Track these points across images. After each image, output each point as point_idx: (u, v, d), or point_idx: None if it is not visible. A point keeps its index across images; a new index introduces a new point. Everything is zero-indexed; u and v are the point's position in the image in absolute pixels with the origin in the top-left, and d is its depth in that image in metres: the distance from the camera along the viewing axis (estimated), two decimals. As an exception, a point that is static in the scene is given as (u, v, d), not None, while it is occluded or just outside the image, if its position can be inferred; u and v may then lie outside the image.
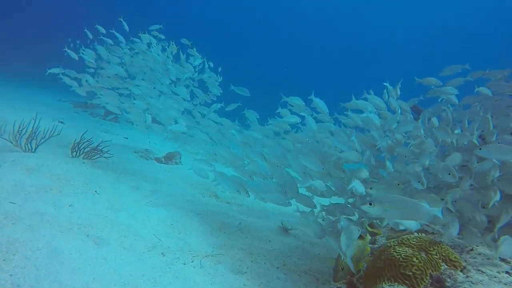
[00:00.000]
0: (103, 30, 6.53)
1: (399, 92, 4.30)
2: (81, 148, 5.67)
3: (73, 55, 5.99)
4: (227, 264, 3.28)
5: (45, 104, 12.36)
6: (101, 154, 5.77)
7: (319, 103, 4.38)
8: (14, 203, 3.25)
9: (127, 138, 9.29)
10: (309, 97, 4.40)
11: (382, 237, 3.00)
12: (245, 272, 3.20)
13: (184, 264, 3.04)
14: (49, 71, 6.05)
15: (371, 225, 2.63)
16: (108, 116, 12.29)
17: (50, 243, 2.64)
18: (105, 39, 6.54)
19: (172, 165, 6.97)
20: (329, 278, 3.52)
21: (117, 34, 6.48)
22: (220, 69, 7.29)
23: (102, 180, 4.61)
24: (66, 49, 6.06)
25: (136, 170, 5.80)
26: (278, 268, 3.49)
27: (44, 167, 4.53)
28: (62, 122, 8.98)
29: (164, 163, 6.90)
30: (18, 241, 2.57)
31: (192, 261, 3.11)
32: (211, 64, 6.67)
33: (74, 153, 5.64)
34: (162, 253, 3.10)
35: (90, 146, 5.74)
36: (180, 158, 7.20)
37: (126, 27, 6.49)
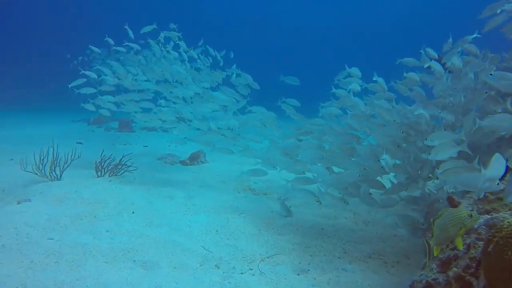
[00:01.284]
0: (112, 42, 6.26)
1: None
2: (105, 166, 5.48)
3: (93, 74, 5.73)
4: (287, 264, 3.01)
5: (60, 128, 12.34)
6: (125, 169, 5.57)
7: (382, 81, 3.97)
8: (52, 239, 3.06)
9: (146, 146, 9.11)
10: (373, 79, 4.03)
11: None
12: (308, 270, 2.92)
13: (242, 273, 2.79)
14: (78, 90, 5.78)
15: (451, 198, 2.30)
16: (123, 128, 12.16)
17: (99, 279, 2.42)
18: (118, 48, 6.26)
19: (198, 165, 6.73)
20: (397, 259, 3.21)
21: (132, 44, 6.18)
22: (223, 53, 6.89)
23: (133, 197, 4.40)
24: (83, 71, 5.77)
25: (164, 178, 5.58)
26: (340, 258, 3.20)
27: (73, 193, 4.35)
28: (80, 143, 8.88)
29: (190, 165, 6.67)
30: (65, 283, 2.36)
31: (250, 269, 2.85)
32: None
33: (99, 172, 5.46)
34: (216, 266, 2.85)
35: (113, 163, 5.54)
36: (205, 156, 6.95)
37: (131, 35, 6.17)
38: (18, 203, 4.03)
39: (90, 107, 5.69)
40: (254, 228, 3.72)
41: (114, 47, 6.30)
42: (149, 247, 3.03)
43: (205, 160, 6.87)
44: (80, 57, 10.26)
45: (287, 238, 3.54)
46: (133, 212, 3.86)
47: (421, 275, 1.99)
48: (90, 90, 5.41)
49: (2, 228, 3.17)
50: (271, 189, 5.56)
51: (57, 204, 4.01)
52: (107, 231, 3.29)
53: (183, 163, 6.68)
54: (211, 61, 6.59)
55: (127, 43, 6.15)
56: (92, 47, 7.13)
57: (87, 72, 5.62)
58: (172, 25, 6.39)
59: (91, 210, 3.82)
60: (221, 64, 6.65)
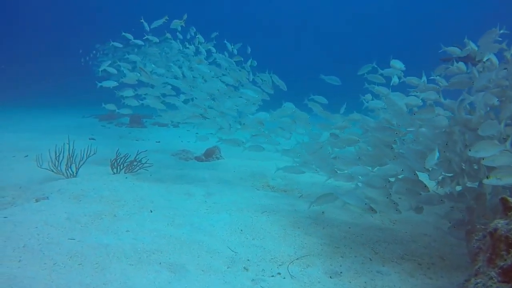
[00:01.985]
0: (130, 37, 6.13)
1: None
2: (120, 163, 5.38)
3: (113, 70, 5.60)
4: (318, 266, 2.86)
5: (71, 124, 12.32)
6: (141, 166, 5.47)
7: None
8: (74, 239, 2.96)
9: (159, 142, 9.03)
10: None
11: None
12: (341, 272, 2.77)
13: (272, 276, 2.65)
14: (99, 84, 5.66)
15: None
16: (134, 123, 12.09)
17: (126, 283, 2.31)
18: (136, 41, 6.12)
19: (214, 161, 6.60)
20: (431, 260, 3.05)
21: (151, 37, 6.03)
22: (238, 46, 6.69)
23: (152, 194, 4.29)
24: (102, 67, 5.59)
25: (181, 175, 5.47)
26: (371, 259, 3.05)
27: (91, 191, 4.26)
28: (93, 139, 8.82)
29: (205, 161, 6.55)
30: (91, 287, 2.25)
31: (279, 273, 2.71)
32: (255, 63, 6.12)
33: (115, 169, 5.37)
34: (244, 268, 2.72)
35: (128, 159, 5.44)
36: (220, 152, 6.82)
37: (147, 28, 6.02)
38: (37, 201, 3.95)
39: (111, 107, 5.57)
40: (279, 227, 3.58)
41: (133, 41, 6.16)
42: (173, 248, 2.91)
43: (220, 156, 6.74)
44: (92, 52, 10.17)
45: (314, 238, 3.39)
46: (152, 211, 3.74)
47: (476, 283, 1.83)
48: (112, 84, 5.29)
49: (22, 227, 3.07)
50: (290, 185, 5.42)
51: (75, 202, 3.92)
52: (128, 231, 3.17)
53: (198, 159, 6.56)
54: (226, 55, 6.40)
55: (147, 37, 6.01)
56: (114, 43, 6.99)
57: (109, 68, 5.48)
58: (193, 29, 6.23)
59: (110, 209, 3.72)
60: (239, 58, 6.46)
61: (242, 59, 6.08)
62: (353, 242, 3.37)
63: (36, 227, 3.12)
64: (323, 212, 3.89)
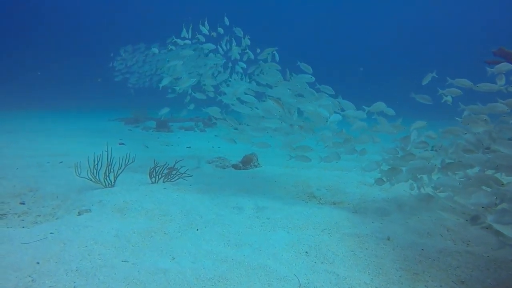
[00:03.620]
0: (181, 42, 5.91)
1: None
2: (159, 172, 5.12)
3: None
4: (405, 299, 2.49)
5: (98, 128, 12.29)
6: (180, 175, 5.20)
7: None
8: (127, 261, 2.68)
9: (189, 147, 8.80)
10: None
11: None
12: (435, 308, 2.39)
13: (358, 312, 2.30)
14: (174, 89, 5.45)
15: None
16: (160, 127, 11.95)
17: (201, 323, 2.00)
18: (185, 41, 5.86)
19: (252, 169, 6.29)
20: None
21: (212, 46, 5.77)
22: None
23: (198, 207, 4.00)
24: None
25: (222, 184, 5.17)
26: (462, 290, 2.65)
27: (133, 203, 4.01)
28: (123, 144, 8.67)
29: (243, 169, 6.24)
30: (160, 326, 1.95)
31: (366, 306, 2.35)
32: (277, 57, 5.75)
33: (153, 178, 5.12)
34: (324, 301, 2.38)
35: (168, 168, 5.19)
36: (257, 160, 6.50)
37: (186, 35, 5.78)
38: (79, 214, 3.72)
39: (165, 110, 5.37)
40: (346, 248, 3.22)
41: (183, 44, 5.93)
42: (239, 275, 2.59)
43: (258, 163, 6.42)
44: (120, 56, 10.10)
45: (388, 262, 3.01)
46: (203, 228, 3.44)
47: None
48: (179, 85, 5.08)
49: (72, 246, 2.83)
50: (338, 197, 5.04)
51: (120, 216, 3.66)
52: (184, 253, 2.88)
53: (235, 167, 6.26)
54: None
55: (197, 38, 5.77)
56: (154, 49, 6.81)
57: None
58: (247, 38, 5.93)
59: (158, 225, 3.44)
60: (277, 59, 6.12)
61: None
62: (431, 268, 2.97)
63: (86, 246, 2.87)
64: (388, 238, 3.49)
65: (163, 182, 5.14)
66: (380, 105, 4.23)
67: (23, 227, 3.44)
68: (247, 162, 6.28)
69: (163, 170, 5.13)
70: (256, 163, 6.37)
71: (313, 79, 4.45)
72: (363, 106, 4.33)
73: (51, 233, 3.11)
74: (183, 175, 5.19)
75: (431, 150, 4.25)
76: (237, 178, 5.60)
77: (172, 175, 5.19)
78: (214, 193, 4.69)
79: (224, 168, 6.24)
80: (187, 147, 8.72)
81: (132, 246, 2.96)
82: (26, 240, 2.95)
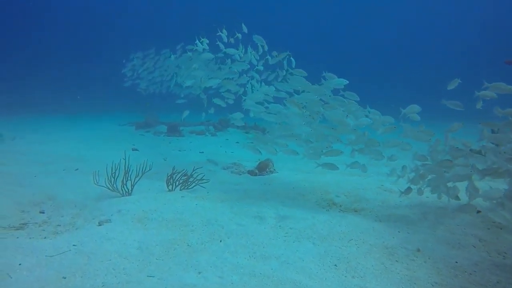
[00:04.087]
0: (222, 46, 5.90)
1: None
2: (176, 180, 5.06)
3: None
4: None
5: (109, 133, 12.32)
6: (197, 182, 5.13)
7: None
8: (153, 276, 2.61)
9: (202, 152, 8.74)
10: None
11: None
12: (478, 328, 2.27)
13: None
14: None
15: None
16: (171, 132, 11.92)
17: None
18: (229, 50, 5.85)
19: (268, 175, 6.20)
20: None
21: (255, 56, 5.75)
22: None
23: (218, 217, 3.92)
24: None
25: (240, 192, 5.09)
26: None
27: (153, 213, 3.94)
28: (136, 149, 8.65)
29: (259, 175, 6.15)
30: None
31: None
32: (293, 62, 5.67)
33: (170, 186, 5.06)
34: (361, 321, 2.27)
35: (185, 175, 5.13)
36: (273, 165, 6.41)
37: (225, 39, 5.76)
38: (100, 224, 3.67)
39: (186, 113, 5.37)
40: (376, 260, 3.10)
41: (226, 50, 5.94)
42: (269, 291, 2.50)
43: (274, 169, 6.33)
44: (133, 61, 10.11)
45: (422, 276, 2.89)
46: (225, 239, 3.36)
47: None
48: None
49: (96, 260, 2.77)
50: (359, 203, 4.92)
51: (141, 227, 3.60)
52: (210, 267, 2.80)
53: (251, 173, 6.17)
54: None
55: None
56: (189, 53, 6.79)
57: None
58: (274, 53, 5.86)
59: (181, 237, 3.37)
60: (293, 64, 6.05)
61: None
62: (469, 283, 2.84)
63: (110, 260, 2.81)
64: (418, 250, 3.36)
65: (180, 190, 5.08)
66: (415, 108, 4.12)
67: (45, 238, 3.40)
68: (263, 168, 6.19)
69: (180, 178, 5.07)
70: (272, 169, 6.28)
71: (347, 82, 4.37)
72: (400, 108, 4.23)
73: (74, 245, 3.06)
74: (200, 182, 5.12)
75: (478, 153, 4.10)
76: (254, 185, 5.51)
77: (189, 183, 5.13)
78: (233, 201, 4.61)
79: (240, 174, 6.16)
80: (200, 152, 8.66)
81: (156, 259, 2.89)
82: (50, 252, 2.90)
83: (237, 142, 10.66)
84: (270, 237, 3.45)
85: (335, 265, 2.96)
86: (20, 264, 2.66)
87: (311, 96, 4.40)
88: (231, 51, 5.63)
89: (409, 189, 4.34)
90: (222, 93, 5.64)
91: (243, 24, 5.65)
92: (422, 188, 4.24)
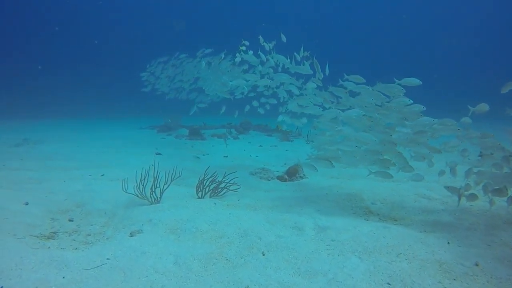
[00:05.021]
0: (263, 56, 5.89)
1: None
2: (206, 186, 4.89)
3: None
4: None
5: (131, 136, 12.35)
6: (228, 188, 4.95)
7: None
8: (194, 296, 2.43)
9: (226, 156, 8.58)
10: None
11: None
12: None
13: None
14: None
15: None
16: (193, 135, 11.84)
17: None
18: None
19: (298, 180, 5.97)
20: None
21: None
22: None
23: (255, 227, 3.71)
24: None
25: (274, 200, 4.88)
26: None
27: (185, 222, 3.78)
28: (159, 154, 8.57)
29: (289, 181, 5.92)
30: None
31: None
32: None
33: (200, 193, 4.89)
34: None
35: (216, 180, 4.95)
36: (303, 170, 6.17)
37: (267, 46, 5.72)
38: (131, 235, 3.52)
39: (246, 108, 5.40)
40: (432, 278, 2.82)
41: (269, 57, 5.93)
42: (322, 315, 2.27)
43: (304, 175, 6.09)
44: (153, 66, 10.14)
45: (488, 299, 2.60)
46: (265, 253, 3.15)
47: None
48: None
49: (133, 277, 2.60)
50: (397, 212, 4.63)
51: (175, 238, 3.43)
52: (255, 285, 2.59)
53: (281, 179, 5.95)
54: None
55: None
56: (237, 58, 6.83)
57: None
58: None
59: (218, 249, 3.18)
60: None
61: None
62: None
63: (147, 277, 2.64)
64: (477, 264, 3.06)
65: (210, 197, 4.91)
66: (485, 106, 3.85)
67: (76, 249, 3.28)
68: (292, 174, 5.96)
69: (210, 184, 4.90)
70: (301, 174, 6.04)
71: (420, 83, 4.20)
72: (468, 106, 3.98)
73: (107, 258, 2.92)
74: (230, 188, 4.94)
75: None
76: (285, 192, 5.29)
77: (219, 189, 4.95)
78: (267, 209, 4.40)
79: (269, 180, 5.94)
80: (224, 156, 8.50)
81: (195, 276, 2.71)
82: (83, 265, 2.77)
83: (260, 146, 10.47)
84: (312, 251, 3.21)
85: (389, 283, 2.70)
86: (56, 280, 2.52)
87: (366, 99, 4.23)
88: (280, 58, 5.55)
89: (474, 196, 4.05)
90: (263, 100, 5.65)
91: (281, 34, 5.62)
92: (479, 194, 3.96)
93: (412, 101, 4.19)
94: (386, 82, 4.39)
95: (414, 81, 4.25)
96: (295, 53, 5.47)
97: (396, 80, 4.41)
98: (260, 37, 5.94)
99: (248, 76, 5.86)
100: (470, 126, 4.08)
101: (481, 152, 4.33)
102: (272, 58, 5.81)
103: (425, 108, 4.21)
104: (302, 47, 5.47)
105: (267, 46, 6.01)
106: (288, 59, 5.48)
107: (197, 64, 8.95)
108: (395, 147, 4.31)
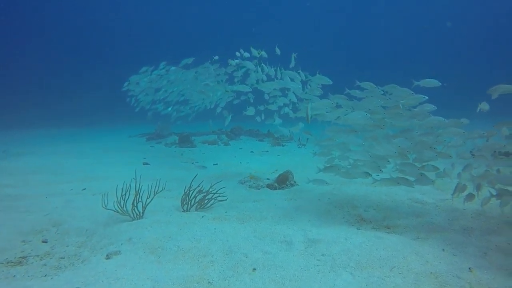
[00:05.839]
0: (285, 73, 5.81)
1: None
2: (191, 198, 4.67)
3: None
4: None
5: (120, 145, 12.06)
6: (216, 198, 4.72)
7: None
8: (169, 329, 2.19)
9: (216, 164, 8.35)
10: None
11: None
12: None
13: None
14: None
15: None
16: (183, 142, 11.59)
17: None
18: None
19: (288, 188, 5.76)
20: None
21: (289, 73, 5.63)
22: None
23: (240, 243, 3.49)
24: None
25: (262, 211, 4.66)
26: None
27: (167, 241, 3.54)
28: (147, 163, 8.31)
29: (279, 188, 5.71)
30: None
31: None
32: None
33: (185, 206, 4.66)
34: None
35: (202, 192, 4.73)
36: (293, 177, 5.96)
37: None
38: (108, 257, 3.28)
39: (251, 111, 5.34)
40: (431, 297, 2.62)
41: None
42: None
43: (294, 182, 5.88)
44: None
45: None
46: (251, 273, 2.93)
47: None
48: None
49: (102, 310, 2.36)
50: (390, 220, 4.44)
51: (154, 259, 3.19)
52: (237, 311, 2.37)
53: (270, 187, 5.74)
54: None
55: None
56: (247, 62, 6.72)
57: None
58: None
59: (199, 271, 2.95)
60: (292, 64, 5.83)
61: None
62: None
63: (119, 307, 2.40)
64: (473, 275, 2.87)
65: (196, 209, 4.68)
66: (485, 105, 3.72)
67: (45, 276, 3.02)
68: (282, 181, 5.75)
69: (197, 196, 4.67)
70: (292, 181, 5.83)
71: (440, 84, 4.09)
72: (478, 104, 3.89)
73: (77, 287, 2.67)
74: (218, 199, 4.72)
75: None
76: (275, 201, 5.08)
77: (206, 201, 4.73)
78: (254, 221, 4.18)
79: (259, 189, 5.73)
80: (214, 164, 8.27)
81: (173, 303, 2.47)
82: (49, 298, 2.52)
83: (251, 152, 10.26)
84: (301, 268, 3.00)
85: (384, 304, 2.50)
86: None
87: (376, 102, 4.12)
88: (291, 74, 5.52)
89: (471, 196, 3.90)
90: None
91: (276, 48, 5.62)
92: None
93: (427, 97, 4.09)
94: (403, 84, 4.31)
95: (433, 82, 4.15)
96: (294, 54, 5.49)
97: (415, 82, 4.32)
98: (251, 47, 5.99)
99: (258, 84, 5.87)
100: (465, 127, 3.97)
101: (471, 151, 4.24)
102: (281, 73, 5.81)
103: (435, 108, 4.10)
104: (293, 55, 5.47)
105: (256, 53, 5.95)
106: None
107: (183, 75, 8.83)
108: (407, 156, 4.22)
